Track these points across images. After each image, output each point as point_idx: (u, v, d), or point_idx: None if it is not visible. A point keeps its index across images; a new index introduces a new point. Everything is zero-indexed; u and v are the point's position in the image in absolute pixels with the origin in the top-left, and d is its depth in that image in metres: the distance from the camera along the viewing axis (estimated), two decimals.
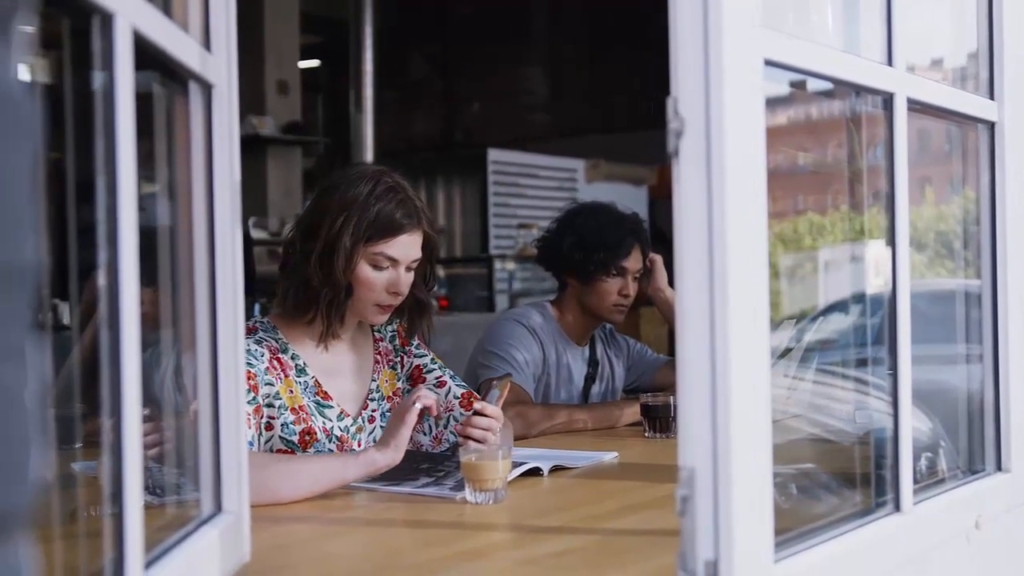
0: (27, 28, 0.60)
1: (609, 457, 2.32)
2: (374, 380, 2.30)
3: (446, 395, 2.31)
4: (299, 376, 2.18)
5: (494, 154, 8.25)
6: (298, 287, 2.16)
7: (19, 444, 0.55)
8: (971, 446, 1.84)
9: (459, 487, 1.89)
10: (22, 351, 0.55)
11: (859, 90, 1.54)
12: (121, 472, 0.99)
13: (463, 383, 2.38)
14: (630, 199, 7.26)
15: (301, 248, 2.16)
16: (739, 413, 1.15)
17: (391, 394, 2.32)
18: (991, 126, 1.79)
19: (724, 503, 1.15)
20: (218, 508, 1.36)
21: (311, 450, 2.13)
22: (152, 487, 1.29)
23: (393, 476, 1.97)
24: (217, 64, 1.35)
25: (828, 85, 1.56)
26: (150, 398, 1.10)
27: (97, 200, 0.99)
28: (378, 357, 2.33)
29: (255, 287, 4.82)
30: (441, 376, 2.36)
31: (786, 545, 1.27)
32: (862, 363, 1.92)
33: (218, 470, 1.36)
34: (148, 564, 1.07)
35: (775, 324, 1.61)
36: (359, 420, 2.24)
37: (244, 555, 1.40)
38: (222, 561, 1.31)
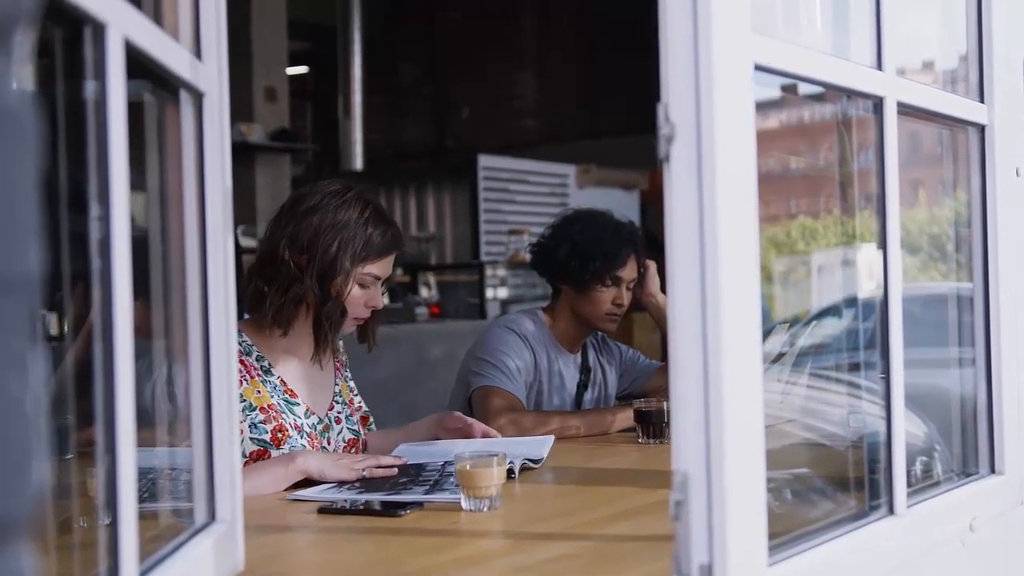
0: (27, 39, 0.60)
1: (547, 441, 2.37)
2: (336, 384, 2.42)
3: (339, 432, 2.40)
4: (267, 376, 2.26)
5: (484, 160, 8.24)
6: (291, 303, 2.23)
7: (22, 452, 0.56)
8: (964, 449, 1.85)
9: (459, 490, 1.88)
10: (24, 359, 0.55)
11: (849, 94, 1.55)
12: (116, 482, 0.99)
13: (355, 427, 2.45)
14: (621, 204, 7.27)
15: (295, 265, 2.21)
16: (732, 417, 1.15)
17: (349, 400, 2.44)
18: (981, 129, 1.80)
19: (718, 507, 1.15)
20: (212, 517, 1.35)
21: (285, 446, 2.20)
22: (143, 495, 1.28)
23: (389, 488, 1.97)
24: (208, 72, 1.35)
25: (818, 89, 1.56)
26: (142, 409, 1.10)
27: (88, 209, 0.99)
28: (338, 365, 2.45)
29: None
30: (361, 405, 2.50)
31: (780, 549, 1.27)
32: (855, 367, 1.92)
33: (211, 479, 1.36)
34: (142, 574, 1.07)
35: (768, 329, 1.61)
36: (326, 420, 2.34)
37: (238, 564, 1.40)
38: (216, 570, 1.31)
